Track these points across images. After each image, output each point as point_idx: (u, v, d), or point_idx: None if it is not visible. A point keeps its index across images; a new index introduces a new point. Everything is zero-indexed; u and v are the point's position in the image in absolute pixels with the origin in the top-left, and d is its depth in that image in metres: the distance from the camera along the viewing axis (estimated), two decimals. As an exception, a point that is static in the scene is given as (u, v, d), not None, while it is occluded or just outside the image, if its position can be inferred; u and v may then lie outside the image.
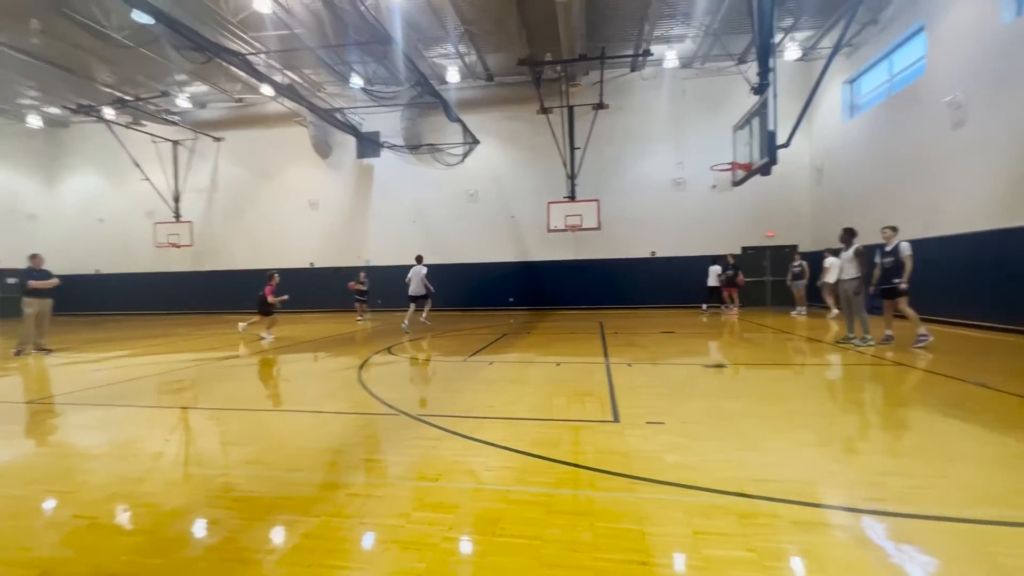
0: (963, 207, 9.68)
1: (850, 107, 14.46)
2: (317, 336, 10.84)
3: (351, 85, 16.36)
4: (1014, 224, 8.46)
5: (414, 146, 17.48)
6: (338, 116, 15.61)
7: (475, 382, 5.66)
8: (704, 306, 15.39)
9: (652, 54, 14.61)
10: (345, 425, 4.14)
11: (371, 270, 18.72)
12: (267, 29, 13.25)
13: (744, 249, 16.74)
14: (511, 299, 17.89)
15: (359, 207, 19.13)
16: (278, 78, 15.39)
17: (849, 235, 7.52)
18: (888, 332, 7.51)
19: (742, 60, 15.78)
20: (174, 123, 18.64)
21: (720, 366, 6.42)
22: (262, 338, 10.12)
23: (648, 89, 17.03)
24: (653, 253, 17.18)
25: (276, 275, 10.80)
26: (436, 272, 18.19)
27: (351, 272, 16.45)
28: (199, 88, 17.59)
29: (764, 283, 16.83)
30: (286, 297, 10.58)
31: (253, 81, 14.09)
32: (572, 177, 16.41)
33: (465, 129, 15.26)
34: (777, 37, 13.83)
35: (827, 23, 14.01)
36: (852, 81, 14.35)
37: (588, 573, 1.94)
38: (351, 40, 12.91)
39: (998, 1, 8.93)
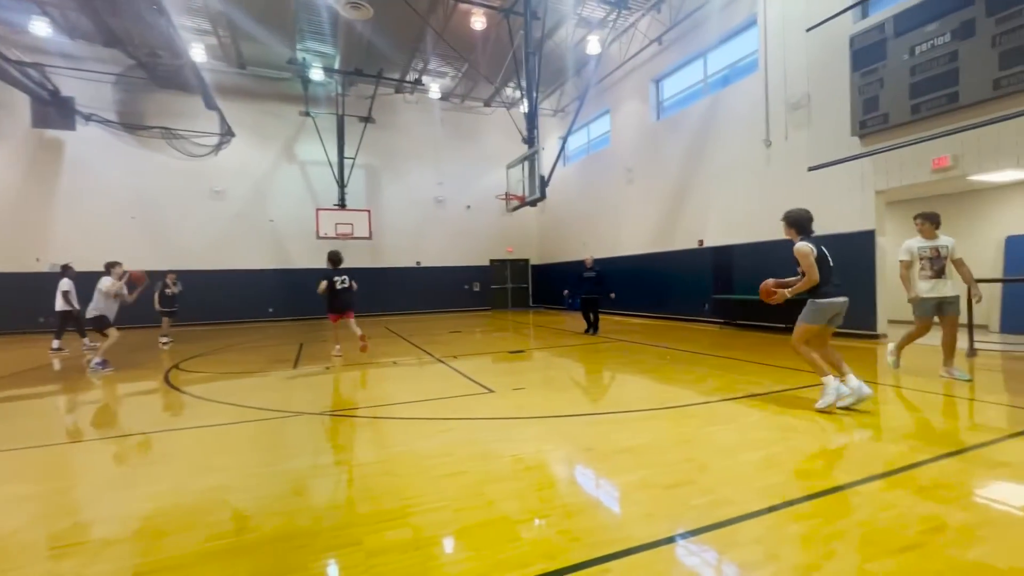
0: (632, 236, 14.58)
1: (564, 157, 19.25)
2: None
3: (29, 30, 12.36)
4: (659, 250, 13.41)
5: (139, 126, 14.27)
6: None
7: (388, 382, 5.91)
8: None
9: (423, 85, 16.17)
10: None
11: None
12: None
13: (491, 261, 20.01)
14: (271, 309, 16.47)
15: (37, 194, 14.23)
16: None
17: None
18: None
19: (487, 104, 19.01)
20: None
21: (519, 351, 8.32)
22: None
23: (411, 111, 18.50)
24: (418, 263, 18.68)
25: None
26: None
27: (25, 279, 12.23)
28: None
29: (506, 289, 20.49)
30: None
31: None
32: (343, 185, 16.42)
33: (222, 118, 13.49)
34: (515, 92, 17.40)
35: (548, 90, 18.39)
36: (565, 138, 19.13)
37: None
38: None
39: (648, 106, 13.98)
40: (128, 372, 7.14)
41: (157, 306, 10.56)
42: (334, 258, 7.98)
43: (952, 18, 6.94)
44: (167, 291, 10.60)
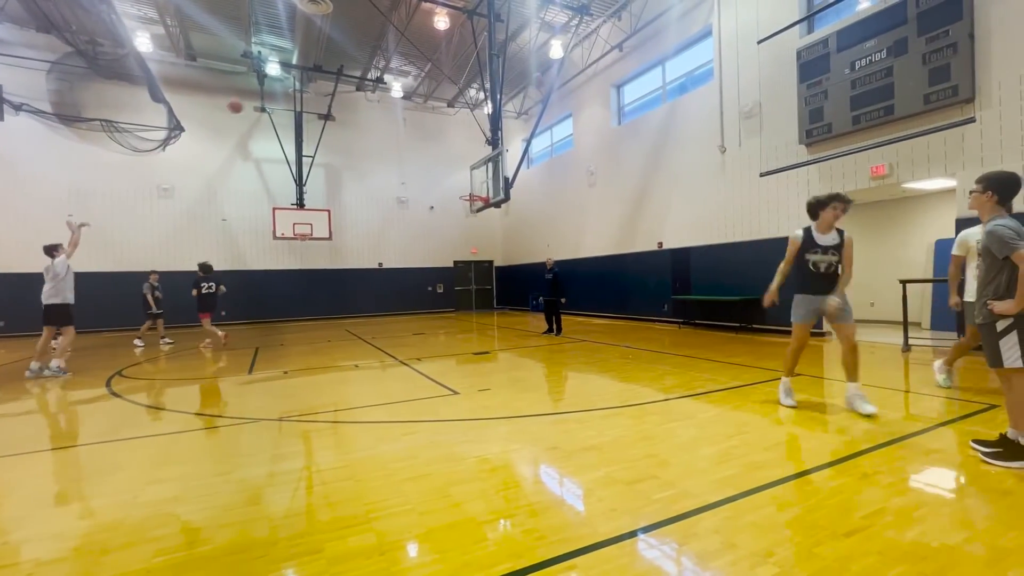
0: (595, 238, 14.83)
1: (528, 159, 19.38)
2: None
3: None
4: (620, 251, 13.70)
5: (77, 118, 13.37)
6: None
7: (333, 386, 5.72)
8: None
9: (385, 83, 15.91)
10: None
11: (-12, 279, 13.31)
12: None
13: (455, 262, 19.88)
14: (224, 313, 15.73)
15: (-43, 188, 13.09)
16: None
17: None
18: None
19: (451, 105, 18.92)
20: None
21: (484, 352, 8.29)
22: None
23: (373, 110, 18.16)
24: (380, 264, 18.34)
25: None
26: (111, 280, 14.29)
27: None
28: None
29: (470, 291, 20.42)
30: None
31: None
32: (301, 184, 15.93)
33: (170, 112, 12.82)
34: (479, 94, 17.39)
35: (512, 93, 18.46)
36: (528, 140, 19.28)
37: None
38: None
39: (609, 111, 14.27)
40: (67, 379, 6.68)
41: (153, 308, 10.69)
42: (203, 268, 9.83)
43: (888, 36, 7.43)
44: (156, 293, 10.77)
